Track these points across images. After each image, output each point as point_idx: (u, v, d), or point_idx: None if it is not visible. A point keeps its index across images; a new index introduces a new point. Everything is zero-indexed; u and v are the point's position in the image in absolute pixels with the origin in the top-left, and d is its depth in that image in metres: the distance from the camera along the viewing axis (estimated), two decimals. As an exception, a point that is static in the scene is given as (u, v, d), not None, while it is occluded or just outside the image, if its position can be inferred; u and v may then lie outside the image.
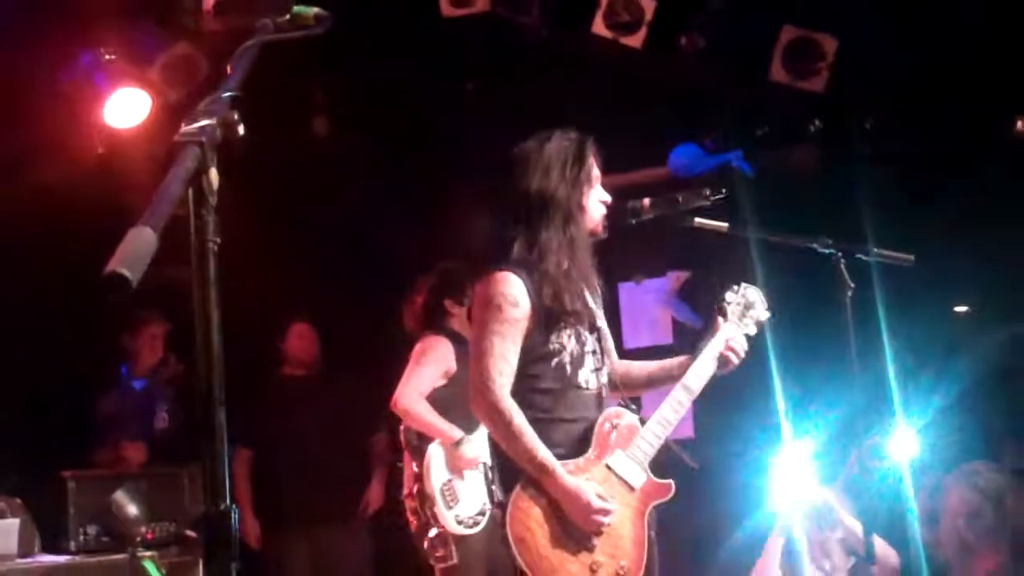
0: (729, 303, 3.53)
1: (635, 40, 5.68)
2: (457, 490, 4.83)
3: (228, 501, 1.71)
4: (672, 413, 3.36)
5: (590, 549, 3.17)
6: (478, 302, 3.31)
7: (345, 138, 6.59)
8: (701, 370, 3.43)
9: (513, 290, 3.24)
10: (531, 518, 3.13)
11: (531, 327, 3.26)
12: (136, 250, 1.50)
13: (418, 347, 5.12)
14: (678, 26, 5.76)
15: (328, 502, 6.02)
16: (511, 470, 3.21)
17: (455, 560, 4.77)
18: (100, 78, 5.76)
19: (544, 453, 3.16)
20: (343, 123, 6.57)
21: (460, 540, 4.79)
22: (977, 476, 4.64)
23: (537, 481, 3.15)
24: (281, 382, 6.39)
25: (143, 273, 1.49)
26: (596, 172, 3.44)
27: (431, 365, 5.03)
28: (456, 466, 4.85)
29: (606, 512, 3.16)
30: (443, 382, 5.03)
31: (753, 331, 3.55)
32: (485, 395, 3.20)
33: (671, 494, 3.34)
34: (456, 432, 4.84)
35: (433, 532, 4.79)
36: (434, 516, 4.78)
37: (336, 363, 6.42)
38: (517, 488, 3.15)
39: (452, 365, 5.04)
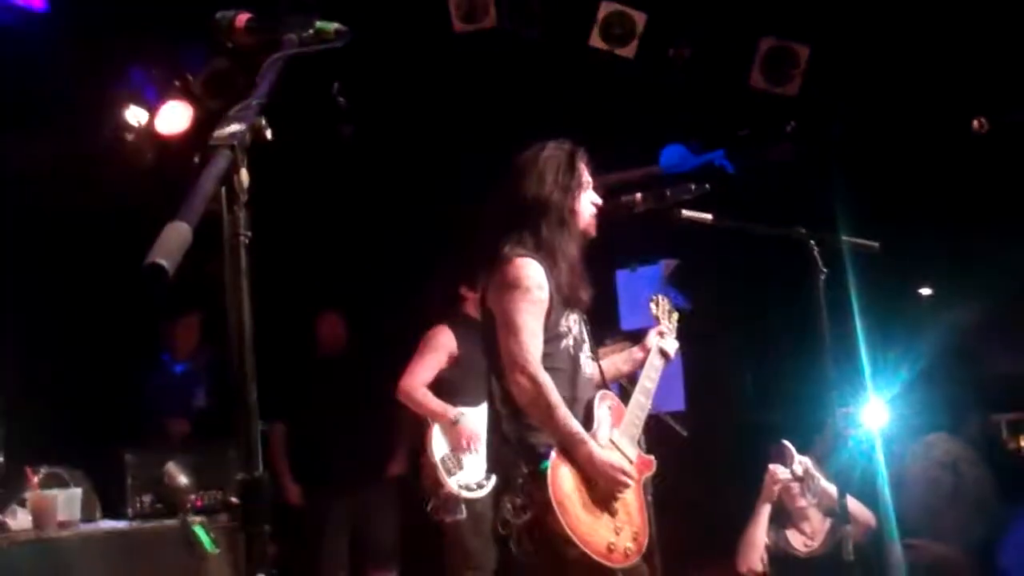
0: (653, 311, 3.67)
1: (628, 51, 5.66)
2: (459, 459, 4.94)
3: (260, 469, 1.69)
4: (644, 398, 3.40)
5: (613, 513, 3.15)
6: (502, 283, 3.20)
7: (367, 142, 6.57)
8: (656, 361, 3.51)
9: (537, 274, 3.19)
10: (568, 485, 3.08)
11: (548, 309, 3.21)
12: (173, 242, 1.48)
13: (424, 337, 5.17)
14: (667, 38, 5.74)
15: (357, 468, 6.02)
16: (525, 443, 3.15)
17: (462, 516, 4.89)
18: (150, 92, 5.81)
19: (576, 424, 3.11)
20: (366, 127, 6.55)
21: (468, 501, 4.88)
22: (934, 447, 4.64)
23: (567, 451, 3.10)
24: (314, 364, 6.38)
25: (179, 264, 1.47)
26: (587, 178, 3.40)
27: (432, 354, 5.10)
28: (456, 439, 4.96)
29: (633, 477, 3.17)
30: (447, 365, 5.11)
31: (674, 333, 3.64)
32: (525, 368, 3.10)
33: (655, 466, 3.39)
34: (451, 411, 4.97)
35: (446, 489, 4.90)
36: (439, 481, 4.91)
37: (363, 347, 6.42)
38: (553, 457, 3.08)
39: (455, 350, 5.12)
